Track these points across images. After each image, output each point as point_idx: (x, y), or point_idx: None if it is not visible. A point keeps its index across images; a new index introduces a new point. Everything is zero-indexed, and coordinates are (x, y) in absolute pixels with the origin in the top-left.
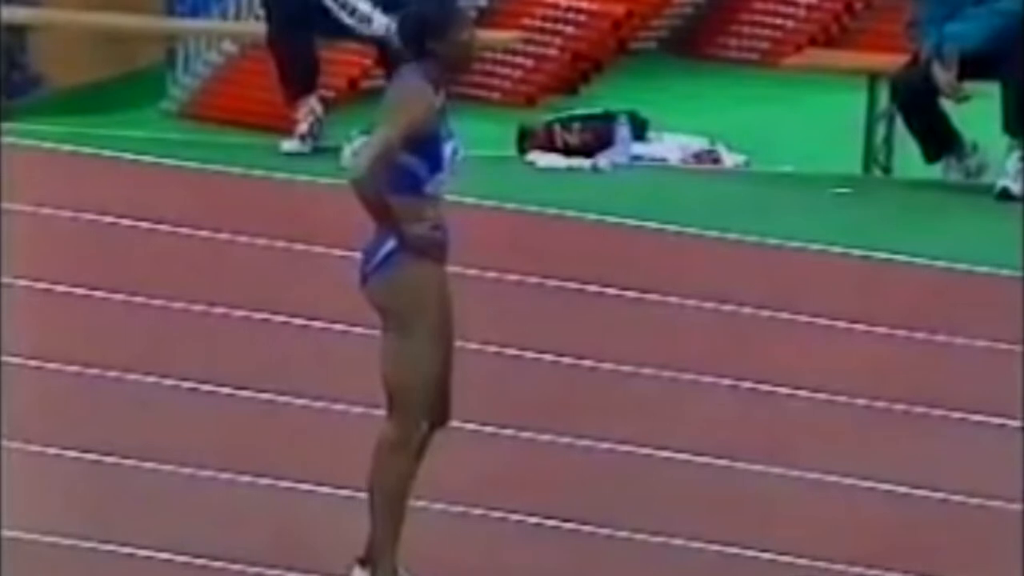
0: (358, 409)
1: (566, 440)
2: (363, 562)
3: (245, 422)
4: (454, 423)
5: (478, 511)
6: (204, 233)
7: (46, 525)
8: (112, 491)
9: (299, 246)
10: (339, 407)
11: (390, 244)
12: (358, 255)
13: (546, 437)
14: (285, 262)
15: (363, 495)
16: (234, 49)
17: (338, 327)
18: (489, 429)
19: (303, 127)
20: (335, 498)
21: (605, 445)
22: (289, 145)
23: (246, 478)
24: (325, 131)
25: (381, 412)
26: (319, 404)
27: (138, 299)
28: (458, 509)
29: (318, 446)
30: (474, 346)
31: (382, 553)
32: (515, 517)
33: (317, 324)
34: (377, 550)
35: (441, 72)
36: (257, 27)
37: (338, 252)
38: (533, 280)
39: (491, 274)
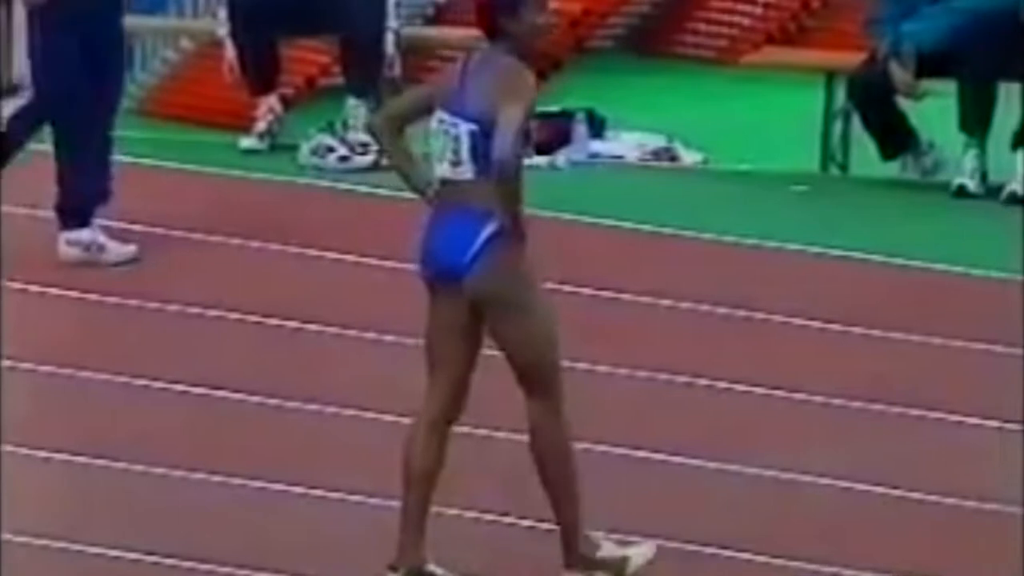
0: (331, 409)
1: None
2: (394, 568)
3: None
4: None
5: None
6: (160, 230)
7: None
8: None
9: (254, 243)
10: (312, 407)
11: (488, 230)
12: (307, 252)
13: (501, 434)
14: (241, 259)
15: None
16: (191, 47)
17: (291, 324)
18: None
19: (261, 125)
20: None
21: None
22: (247, 142)
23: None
24: (283, 129)
25: (356, 412)
26: (258, 400)
27: (92, 296)
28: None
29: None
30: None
31: (575, 529)
32: (485, 516)
33: (272, 321)
34: (571, 530)
35: (515, 53)
36: (214, 25)
37: (293, 249)
38: None
39: None
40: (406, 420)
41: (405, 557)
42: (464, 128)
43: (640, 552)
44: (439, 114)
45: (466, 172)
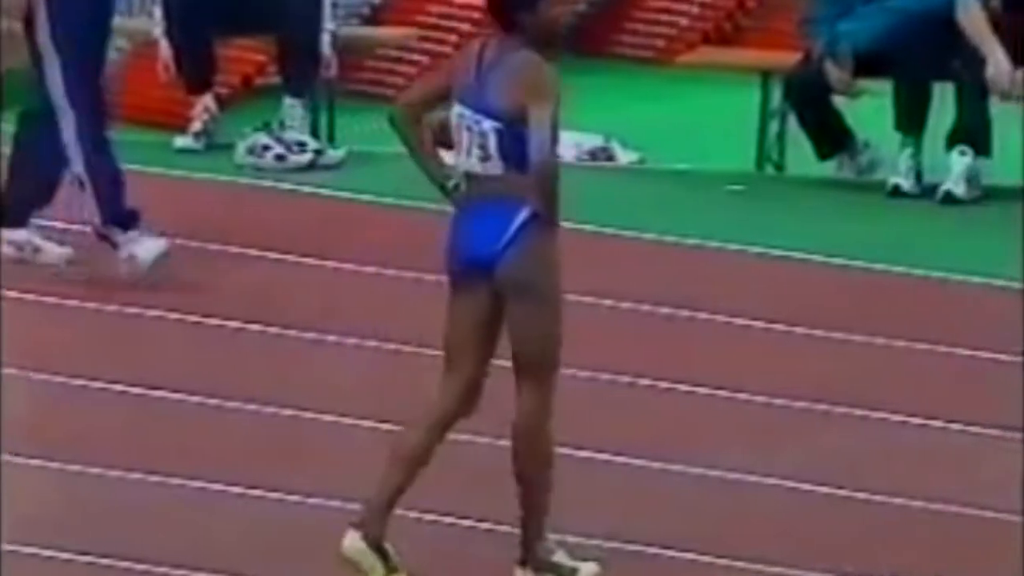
0: (270, 409)
1: (485, 440)
2: (356, 526)
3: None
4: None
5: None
6: None
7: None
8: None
9: (193, 243)
10: (251, 407)
11: (522, 215)
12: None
13: (464, 437)
14: (179, 259)
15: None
16: (126, 46)
17: (233, 324)
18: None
19: (197, 124)
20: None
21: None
22: (183, 142)
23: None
24: (219, 128)
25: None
26: (221, 403)
27: (29, 297)
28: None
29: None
30: (372, 343)
31: (539, 528)
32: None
33: (212, 321)
34: (534, 530)
35: (531, 46)
36: (149, 24)
37: (233, 249)
38: (430, 278)
39: (390, 271)
40: (347, 420)
41: (370, 524)
42: (489, 125)
43: (589, 568)
44: (459, 108)
45: (495, 167)
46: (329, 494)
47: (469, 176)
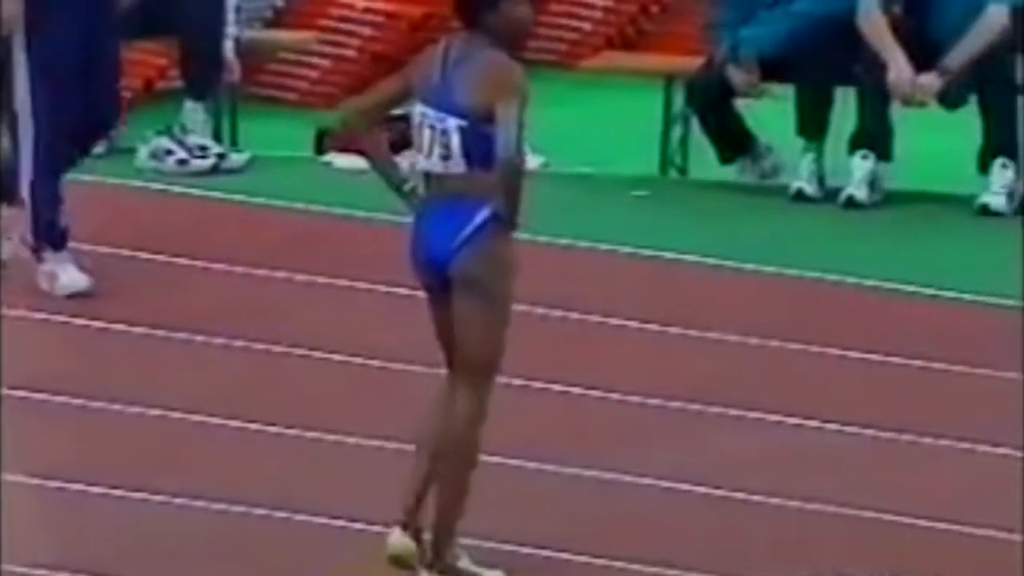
0: (135, 409)
1: (375, 443)
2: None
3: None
4: None
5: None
6: None
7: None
8: None
9: (103, 248)
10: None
11: (482, 215)
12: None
13: (332, 437)
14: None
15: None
16: None
17: (139, 329)
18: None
19: None
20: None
21: (394, 445)
22: None
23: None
24: (120, 132)
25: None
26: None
27: None
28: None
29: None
30: (300, 351)
31: (450, 531)
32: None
33: (118, 327)
34: (445, 534)
35: (495, 45)
36: None
37: (126, 252)
38: (322, 280)
39: (280, 274)
40: (215, 420)
41: (410, 519)
42: (453, 123)
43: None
44: (422, 108)
45: (457, 166)
46: (197, 495)
47: (429, 177)
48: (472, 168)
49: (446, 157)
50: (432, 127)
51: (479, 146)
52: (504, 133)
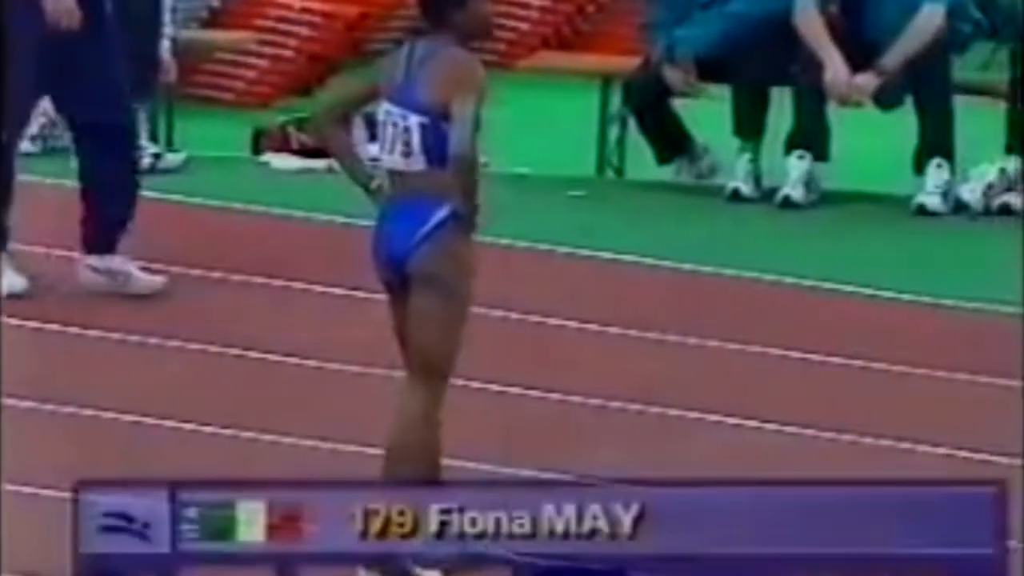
0: (67, 409)
1: (311, 443)
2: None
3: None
4: None
5: None
6: None
7: None
8: None
9: (38, 249)
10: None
11: (441, 213)
12: (79, 257)
13: (268, 437)
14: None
15: None
16: None
17: (74, 330)
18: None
19: (34, 128)
20: None
21: (328, 445)
22: (20, 146)
23: None
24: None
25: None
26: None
27: None
28: None
29: None
30: (235, 352)
31: None
32: None
33: (53, 327)
34: None
35: (460, 43)
36: None
37: (59, 252)
38: (258, 280)
39: (216, 274)
40: (149, 420)
41: None
42: (414, 120)
43: None
44: (386, 106)
45: (417, 163)
46: None
47: (392, 174)
48: (432, 165)
49: (407, 154)
50: (395, 124)
51: (438, 143)
52: (458, 130)
